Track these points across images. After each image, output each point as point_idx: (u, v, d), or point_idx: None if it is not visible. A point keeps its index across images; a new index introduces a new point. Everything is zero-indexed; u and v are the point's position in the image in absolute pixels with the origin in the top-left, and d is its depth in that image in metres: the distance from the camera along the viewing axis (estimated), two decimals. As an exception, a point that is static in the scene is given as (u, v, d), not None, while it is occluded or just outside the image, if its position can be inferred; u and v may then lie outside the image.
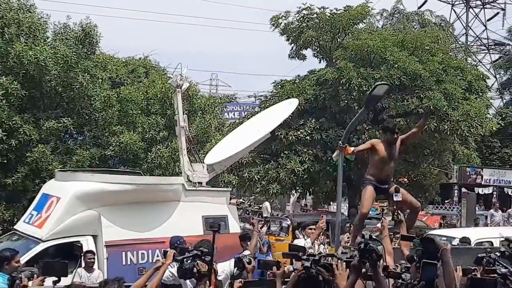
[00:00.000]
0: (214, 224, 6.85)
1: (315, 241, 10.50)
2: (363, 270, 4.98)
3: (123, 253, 10.61)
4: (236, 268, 7.65)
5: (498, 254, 5.95)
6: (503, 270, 5.29)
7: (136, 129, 19.73)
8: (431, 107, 19.36)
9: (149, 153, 19.16)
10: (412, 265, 5.42)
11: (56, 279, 6.47)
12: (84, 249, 10.41)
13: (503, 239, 7.77)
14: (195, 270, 5.82)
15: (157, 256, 10.68)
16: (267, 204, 31.36)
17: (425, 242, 5.22)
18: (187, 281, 6.85)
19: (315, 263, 4.79)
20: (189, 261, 5.97)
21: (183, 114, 12.68)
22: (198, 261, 5.88)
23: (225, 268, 8.13)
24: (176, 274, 7.84)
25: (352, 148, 9.27)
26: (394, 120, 10.26)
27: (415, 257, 5.39)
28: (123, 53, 35.96)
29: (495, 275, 5.43)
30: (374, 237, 5.27)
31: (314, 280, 4.67)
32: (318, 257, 4.91)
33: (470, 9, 55.44)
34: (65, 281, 6.77)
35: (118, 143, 18.94)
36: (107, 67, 21.15)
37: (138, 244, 10.81)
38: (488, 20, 55.90)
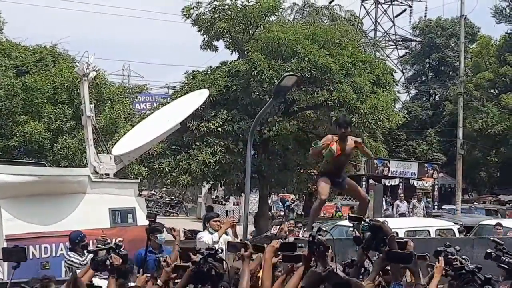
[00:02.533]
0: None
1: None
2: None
3: (25, 247, 10.21)
4: None
5: (458, 248, 6.11)
6: (471, 266, 5.43)
7: (42, 119, 19.21)
8: (340, 100, 19.71)
9: (55, 144, 18.65)
10: (359, 248, 5.46)
11: (16, 264, 6.83)
12: (-17, 243, 10.00)
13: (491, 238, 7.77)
14: (107, 263, 5.70)
15: (61, 249, 10.39)
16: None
17: (374, 228, 5.26)
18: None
19: (211, 257, 4.75)
20: (103, 254, 5.85)
21: (90, 103, 12.36)
22: (112, 254, 5.76)
23: None
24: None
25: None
26: (348, 117, 10.42)
27: (363, 240, 5.42)
28: (32, 41, 34.83)
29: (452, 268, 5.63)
30: (324, 229, 5.36)
31: (205, 274, 4.64)
32: (214, 251, 4.88)
33: (379, 5, 56.79)
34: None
35: (23, 133, 18.41)
36: (12, 54, 20.46)
37: (41, 237, 10.48)
38: (396, 16, 57.47)
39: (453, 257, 5.90)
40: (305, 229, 10.63)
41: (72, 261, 8.98)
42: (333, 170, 8.96)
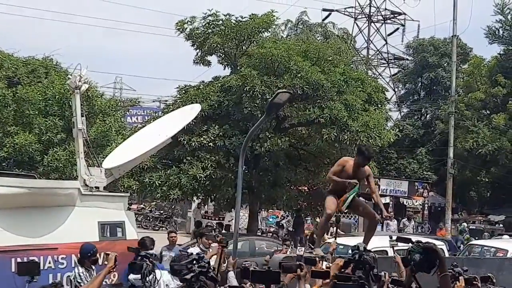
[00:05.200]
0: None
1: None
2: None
3: (13, 259, 10.11)
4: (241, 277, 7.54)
5: (465, 268, 6.18)
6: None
7: (33, 131, 19.15)
8: (332, 117, 19.76)
9: (45, 156, 18.57)
10: (407, 269, 5.47)
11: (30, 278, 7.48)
12: (-31, 255, 9.88)
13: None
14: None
15: (49, 263, 10.28)
16: None
17: (426, 250, 5.26)
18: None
19: (203, 275, 4.74)
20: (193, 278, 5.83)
21: (82, 116, 12.29)
22: (204, 279, 5.74)
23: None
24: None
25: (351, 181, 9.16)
26: (371, 148, 10.91)
27: (411, 262, 5.41)
28: (24, 52, 34.85)
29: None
30: (368, 249, 5.65)
31: None
32: (206, 269, 4.87)
33: (372, 24, 57.05)
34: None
35: (13, 144, 18.33)
36: (4, 66, 20.45)
37: (29, 250, 10.35)
38: (389, 35, 57.71)
39: (473, 277, 5.98)
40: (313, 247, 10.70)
41: (80, 276, 8.84)
42: (341, 191, 9.13)
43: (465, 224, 34.51)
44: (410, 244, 7.11)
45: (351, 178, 9.12)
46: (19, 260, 10.19)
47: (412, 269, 5.30)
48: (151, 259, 6.42)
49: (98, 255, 9.32)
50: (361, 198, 10.81)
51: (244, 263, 7.85)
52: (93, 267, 9.08)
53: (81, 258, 9.10)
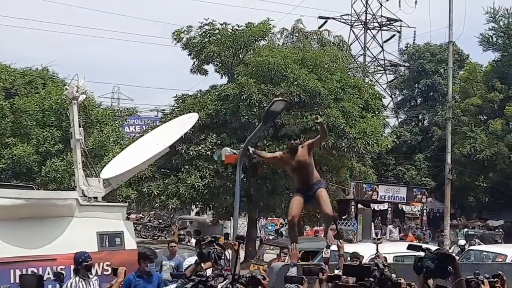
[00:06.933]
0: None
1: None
2: None
3: (12, 270, 10.09)
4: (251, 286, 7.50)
5: (487, 275, 6.21)
6: None
7: (31, 142, 19.14)
8: (329, 124, 19.78)
9: (43, 166, 18.55)
10: (420, 277, 5.44)
11: None
12: (-32, 266, 9.86)
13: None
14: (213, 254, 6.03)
15: (48, 274, 10.25)
16: None
17: (440, 256, 5.24)
18: None
19: (202, 284, 4.77)
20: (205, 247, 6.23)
21: (79, 126, 12.29)
22: (214, 244, 6.14)
23: None
24: None
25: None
26: (295, 127, 10.33)
27: (424, 269, 5.39)
28: (22, 64, 34.86)
29: None
30: (387, 265, 5.72)
31: None
32: (205, 278, 4.90)
33: (368, 31, 57.22)
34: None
35: (11, 155, 18.30)
36: (1, 77, 20.48)
37: (28, 261, 10.34)
38: (385, 41, 57.88)
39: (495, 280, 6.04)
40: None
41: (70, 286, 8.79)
42: (300, 184, 8.57)
43: (465, 229, 34.52)
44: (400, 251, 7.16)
45: (295, 166, 8.38)
46: (18, 271, 10.20)
47: (425, 276, 5.29)
48: (217, 242, 6.48)
49: (92, 261, 9.23)
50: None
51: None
52: (89, 274, 9.03)
53: (75, 266, 9.09)
